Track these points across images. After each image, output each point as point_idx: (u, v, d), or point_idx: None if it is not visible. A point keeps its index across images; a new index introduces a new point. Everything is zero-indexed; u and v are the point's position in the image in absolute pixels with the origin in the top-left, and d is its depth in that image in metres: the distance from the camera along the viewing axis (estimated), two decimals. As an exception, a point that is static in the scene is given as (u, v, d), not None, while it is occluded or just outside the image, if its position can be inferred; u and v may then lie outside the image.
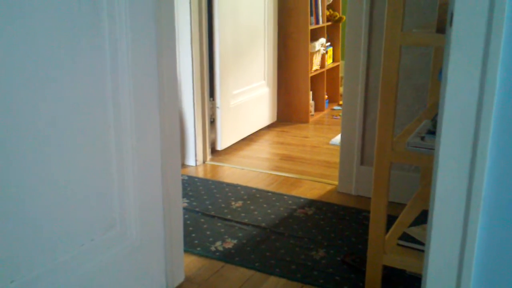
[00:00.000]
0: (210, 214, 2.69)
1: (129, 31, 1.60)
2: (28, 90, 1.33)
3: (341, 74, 5.02)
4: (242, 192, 2.98)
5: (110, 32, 1.55)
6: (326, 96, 4.89)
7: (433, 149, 1.16)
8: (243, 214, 2.69)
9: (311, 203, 2.84)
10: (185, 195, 2.90)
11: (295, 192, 2.99)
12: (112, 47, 1.56)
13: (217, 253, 2.30)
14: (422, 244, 1.85)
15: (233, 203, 2.83)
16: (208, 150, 3.55)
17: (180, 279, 2.07)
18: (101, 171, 1.62)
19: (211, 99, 3.63)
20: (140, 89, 1.69)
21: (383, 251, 1.87)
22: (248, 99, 4.00)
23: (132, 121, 1.68)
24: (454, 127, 1.09)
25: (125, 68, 1.62)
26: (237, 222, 2.60)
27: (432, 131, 1.75)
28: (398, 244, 1.92)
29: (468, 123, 1.07)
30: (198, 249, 2.34)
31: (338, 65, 5.02)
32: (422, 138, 1.76)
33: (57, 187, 1.46)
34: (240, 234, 2.47)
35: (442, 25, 1.64)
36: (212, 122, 3.69)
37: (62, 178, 1.47)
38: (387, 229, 1.94)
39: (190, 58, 3.26)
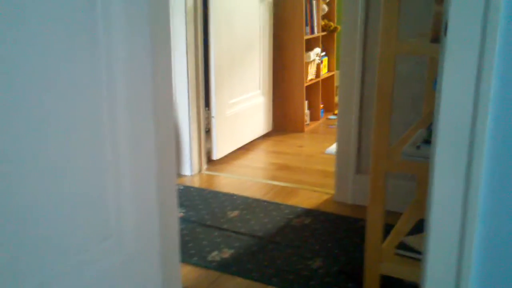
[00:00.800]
0: (206, 224, 2.69)
1: (124, 40, 1.60)
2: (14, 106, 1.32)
3: (336, 83, 5.04)
4: (239, 202, 2.98)
5: (106, 42, 1.55)
6: (322, 106, 4.90)
7: (429, 158, 1.17)
8: (239, 224, 2.69)
9: (307, 212, 2.84)
10: (181, 205, 2.89)
11: (292, 202, 2.99)
12: (107, 57, 1.56)
13: (214, 263, 2.29)
14: (420, 253, 1.85)
15: (229, 212, 2.83)
16: (204, 160, 3.55)
17: (177, 289, 2.06)
18: (96, 181, 1.61)
19: (207, 108, 3.64)
20: (135, 100, 1.68)
21: (380, 260, 1.87)
22: (244, 108, 4.00)
23: (127, 130, 1.67)
24: (449, 136, 1.09)
25: (120, 79, 1.61)
26: (233, 231, 2.60)
27: (428, 140, 1.76)
28: (396, 253, 1.92)
29: (463, 132, 1.08)
30: (195, 259, 2.33)
31: (333, 75, 5.03)
32: (418, 147, 1.77)
33: (50, 197, 1.45)
34: (236, 244, 2.47)
35: (437, 34, 1.66)
36: (208, 131, 3.69)
37: (55, 188, 1.47)
38: (384, 238, 1.94)
39: (185, 68, 3.26)
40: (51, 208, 1.46)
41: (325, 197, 3.06)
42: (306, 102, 4.54)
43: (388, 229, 2.08)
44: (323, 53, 4.87)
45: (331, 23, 4.88)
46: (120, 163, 1.67)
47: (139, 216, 1.78)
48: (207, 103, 3.63)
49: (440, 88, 1.09)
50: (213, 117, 3.62)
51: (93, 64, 1.53)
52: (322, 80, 4.84)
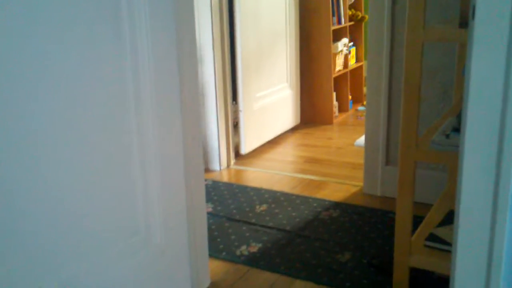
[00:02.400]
0: (234, 218, 2.68)
1: (149, 36, 1.59)
2: (50, 93, 1.33)
3: (364, 74, 4.97)
4: (267, 196, 2.96)
5: (131, 39, 1.55)
6: (350, 97, 4.85)
7: (458, 146, 1.13)
8: (267, 218, 2.67)
9: (336, 205, 2.81)
10: (209, 199, 2.89)
11: (320, 195, 2.96)
12: (133, 52, 1.56)
13: (242, 258, 2.29)
14: (450, 244, 1.81)
15: (257, 206, 2.82)
16: (232, 154, 3.55)
17: (206, 284, 2.06)
18: (124, 177, 1.62)
19: (234, 102, 3.62)
20: (162, 94, 1.68)
21: (409, 252, 1.83)
22: (271, 101, 3.98)
23: (154, 126, 1.67)
24: (478, 124, 1.06)
25: (146, 73, 1.61)
26: (261, 226, 2.58)
27: (457, 129, 1.71)
28: (425, 245, 1.88)
29: (493, 118, 1.04)
30: (223, 253, 2.32)
31: (361, 65, 4.97)
32: (447, 136, 1.72)
33: (81, 194, 1.47)
34: (265, 238, 2.46)
35: (465, 19, 1.61)
36: (236, 125, 3.68)
37: (86, 185, 1.48)
38: (414, 230, 1.90)
39: (212, 62, 3.26)
40: (82, 206, 1.47)
41: (354, 189, 3.02)
42: (334, 94, 4.49)
43: (418, 221, 2.04)
44: (351, 43, 4.81)
45: (359, 13, 4.82)
46: (147, 159, 1.68)
47: (167, 211, 1.78)
48: (235, 97, 3.62)
49: (469, 73, 1.05)
50: (240, 111, 3.61)
51: (119, 61, 1.53)
52: (350, 71, 4.78)
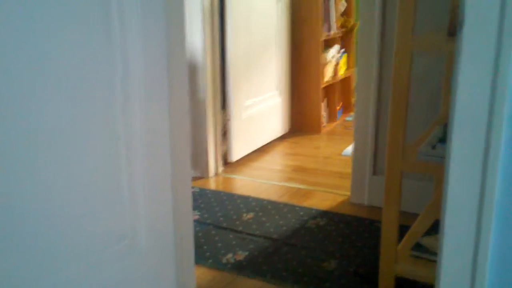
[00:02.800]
0: (221, 226, 2.67)
1: (140, 41, 1.59)
2: (34, 100, 1.32)
3: (354, 83, 5.00)
4: (254, 204, 2.96)
5: (121, 43, 1.54)
6: (340, 106, 4.86)
7: (444, 158, 1.14)
8: (254, 226, 2.67)
9: (323, 214, 2.81)
10: (196, 207, 2.88)
11: (307, 203, 2.96)
12: (123, 58, 1.55)
13: (229, 265, 2.28)
14: (436, 254, 1.82)
15: (244, 214, 2.81)
16: (220, 162, 3.54)
17: (191, 291, 2.05)
18: (111, 182, 1.61)
19: (223, 110, 3.62)
20: (151, 100, 1.68)
21: (395, 261, 1.83)
22: (260, 110, 3.99)
23: (142, 132, 1.67)
24: (464, 135, 1.06)
25: (136, 79, 1.61)
26: (248, 234, 2.58)
27: (443, 139, 1.72)
28: (411, 255, 1.89)
29: (479, 129, 1.05)
30: (210, 261, 2.32)
31: (351, 75, 4.98)
32: (434, 147, 1.73)
33: (67, 199, 1.45)
34: (251, 246, 2.45)
35: (454, 29, 1.62)
36: (224, 133, 3.67)
37: (72, 190, 1.47)
38: (400, 239, 1.90)
39: (202, 70, 3.25)
40: (68, 211, 1.46)
41: (341, 198, 3.02)
42: (323, 103, 4.50)
43: (404, 230, 2.05)
44: (342, 50, 4.82)
45: (350, 20, 4.83)
46: (134, 165, 1.67)
47: (154, 218, 1.78)
48: (224, 105, 3.62)
49: (456, 83, 1.06)
50: (229, 119, 3.61)
51: (108, 64, 1.53)
52: (341, 80, 4.80)
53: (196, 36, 3.21)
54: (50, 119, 1.37)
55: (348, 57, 4.97)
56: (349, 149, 3.74)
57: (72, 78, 1.42)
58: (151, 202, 1.75)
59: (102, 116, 1.53)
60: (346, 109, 5.01)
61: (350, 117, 4.84)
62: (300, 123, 4.51)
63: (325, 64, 4.46)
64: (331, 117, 4.75)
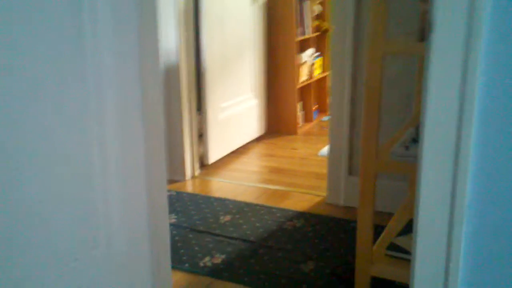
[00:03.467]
0: (198, 229, 2.66)
1: (112, 44, 1.58)
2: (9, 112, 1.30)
3: (329, 84, 5.03)
4: (231, 206, 2.96)
5: (93, 48, 1.53)
6: (316, 107, 4.89)
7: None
8: (231, 229, 2.66)
9: (299, 215, 2.82)
10: (173, 210, 2.87)
11: (284, 205, 2.97)
12: (94, 63, 1.54)
13: (206, 269, 2.27)
14: (410, 253, 1.84)
15: (221, 217, 2.81)
16: (197, 165, 3.53)
17: (168, 296, 2.04)
18: (84, 187, 1.59)
19: (199, 112, 3.61)
20: (123, 105, 1.67)
21: (371, 261, 1.85)
22: (237, 111, 3.99)
23: (116, 135, 1.65)
24: (435, 135, 1.08)
25: (107, 83, 1.60)
26: (225, 236, 2.58)
27: (416, 140, 1.74)
28: (386, 254, 1.91)
29: (449, 130, 1.06)
30: (186, 265, 2.31)
31: (326, 76, 5.02)
32: (407, 148, 1.75)
33: (37, 206, 1.43)
34: (228, 249, 2.45)
35: (424, 33, 1.64)
36: (200, 136, 3.66)
37: (42, 196, 1.45)
38: (376, 239, 1.92)
39: (177, 72, 3.24)
40: (39, 217, 1.44)
41: (318, 199, 3.04)
42: (299, 104, 4.52)
43: (379, 230, 2.07)
44: (317, 53, 4.85)
45: (324, 23, 4.86)
46: (108, 169, 1.65)
47: (129, 223, 1.76)
48: (200, 107, 3.61)
49: (426, 86, 1.07)
50: (205, 121, 3.60)
51: (80, 70, 1.51)
52: (316, 81, 4.83)
53: (171, 39, 3.19)
54: (21, 127, 1.35)
55: (323, 60, 5.00)
56: (326, 150, 3.76)
57: (44, 82, 1.40)
58: (125, 208, 1.73)
59: (75, 122, 1.52)
60: (322, 109, 5.04)
61: (326, 117, 4.87)
62: (276, 124, 4.52)
63: (300, 65, 4.48)
64: (307, 117, 4.77)
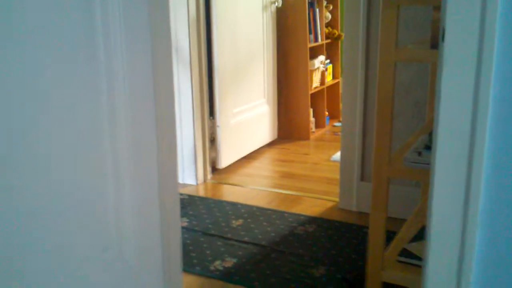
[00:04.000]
0: (210, 233, 2.68)
1: (124, 53, 1.59)
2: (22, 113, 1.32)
3: (341, 90, 5.03)
4: (243, 211, 2.97)
5: (106, 56, 1.55)
6: (327, 113, 4.89)
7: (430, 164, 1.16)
8: (243, 233, 2.67)
9: (311, 220, 2.82)
10: (185, 214, 2.89)
11: (296, 210, 2.97)
12: (107, 68, 1.56)
13: (217, 272, 2.28)
14: (422, 260, 1.83)
15: (233, 221, 2.82)
16: (209, 169, 3.54)
17: (179, 299, 2.05)
18: (96, 191, 1.61)
19: (211, 118, 3.63)
20: (136, 110, 1.68)
21: (382, 267, 1.85)
22: (248, 117, 4.00)
23: (128, 140, 1.67)
24: (448, 142, 1.08)
25: (120, 88, 1.61)
26: (237, 240, 2.59)
27: (429, 146, 1.75)
28: (398, 261, 1.90)
29: (463, 137, 1.07)
30: (197, 268, 2.32)
31: (338, 82, 5.03)
32: (419, 154, 1.75)
33: (49, 208, 1.45)
34: (240, 253, 2.46)
35: (436, 41, 1.65)
36: (213, 140, 3.68)
37: (55, 198, 1.46)
38: (388, 245, 1.92)
39: (189, 78, 3.27)
40: (50, 219, 1.46)
41: (330, 204, 3.04)
42: (311, 110, 4.53)
43: (391, 236, 2.06)
44: (328, 61, 4.87)
45: (335, 31, 4.88)
46: (120, 173, 1.67)
47: (140, 226, 1.77)
48: (212, 113, 3.63)
49: (439, 93, 1.08)
50: (218, 126, 3.62)
51: (93, 76, 1.53)
52: (327, 87, 4.83)
53: (183, 45, 3.22)
54: (36, 134, 1.37)
55: (333, 67, 5.00)
56: (338, 155, 3.76)
57: (56, 94, 1.42)
58: (137, 210, 1.75)
59: (88, 129, 1.53)
60: (333, 115, 5.04)
61: (338, 123, 4.87)
62: (288, 129, 4.53)
63: (313, 71, 4.49)
64: (320, 123, 4.77)
